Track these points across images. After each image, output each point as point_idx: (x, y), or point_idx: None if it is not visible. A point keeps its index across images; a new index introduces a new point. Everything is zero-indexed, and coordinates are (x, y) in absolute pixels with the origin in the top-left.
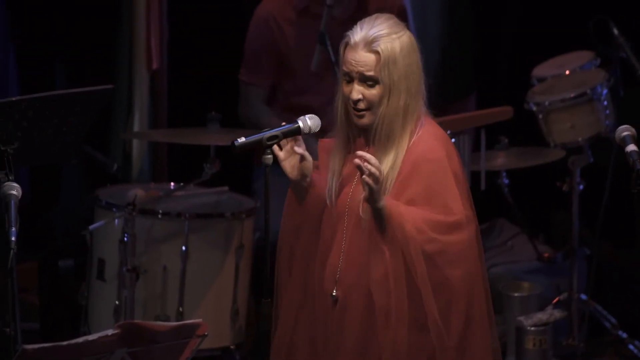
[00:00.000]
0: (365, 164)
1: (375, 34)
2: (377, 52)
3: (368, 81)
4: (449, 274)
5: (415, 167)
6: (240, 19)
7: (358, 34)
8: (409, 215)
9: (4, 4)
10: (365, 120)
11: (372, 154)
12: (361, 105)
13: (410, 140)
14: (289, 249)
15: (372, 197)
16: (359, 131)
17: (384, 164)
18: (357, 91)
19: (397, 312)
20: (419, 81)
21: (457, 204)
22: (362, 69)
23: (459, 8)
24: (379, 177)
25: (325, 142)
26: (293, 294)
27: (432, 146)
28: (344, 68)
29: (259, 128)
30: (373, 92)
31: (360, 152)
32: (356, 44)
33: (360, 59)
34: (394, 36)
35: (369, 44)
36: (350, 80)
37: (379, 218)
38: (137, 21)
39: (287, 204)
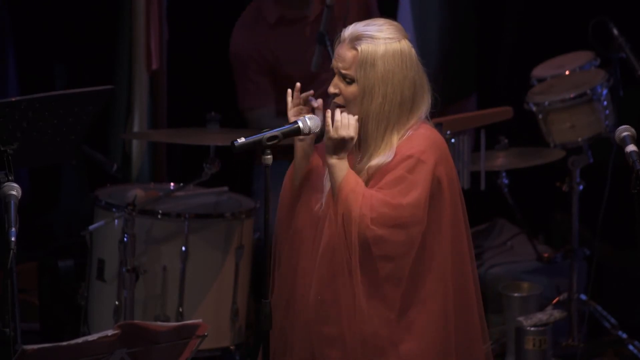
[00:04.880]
0: (339, 110)
1: (361, 33)
2: (356, 51)
3: (346, 77)
4: (380, 266)
5: (395, 164)
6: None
7: (349, 29)
8: (360, 196)
9: (4, 4)
10: None
11: (361, 158)
12: (338, 101)
13: (396, 145)
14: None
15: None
16: None
17: (363, 165)
18: (334, 85)
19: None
20: (404, 91)
21: (414, 200)
22: (340, 64)
23: (459, 8)
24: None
25: (321, 147)
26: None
27: (416, 145)
28: (333, 61)
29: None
30: (349, 90)
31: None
32: (343, 39)
33: (342, 54)
34: (381, 40)
35: (352, 41)
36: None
37: (333, 181)
38: (136, 21)
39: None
